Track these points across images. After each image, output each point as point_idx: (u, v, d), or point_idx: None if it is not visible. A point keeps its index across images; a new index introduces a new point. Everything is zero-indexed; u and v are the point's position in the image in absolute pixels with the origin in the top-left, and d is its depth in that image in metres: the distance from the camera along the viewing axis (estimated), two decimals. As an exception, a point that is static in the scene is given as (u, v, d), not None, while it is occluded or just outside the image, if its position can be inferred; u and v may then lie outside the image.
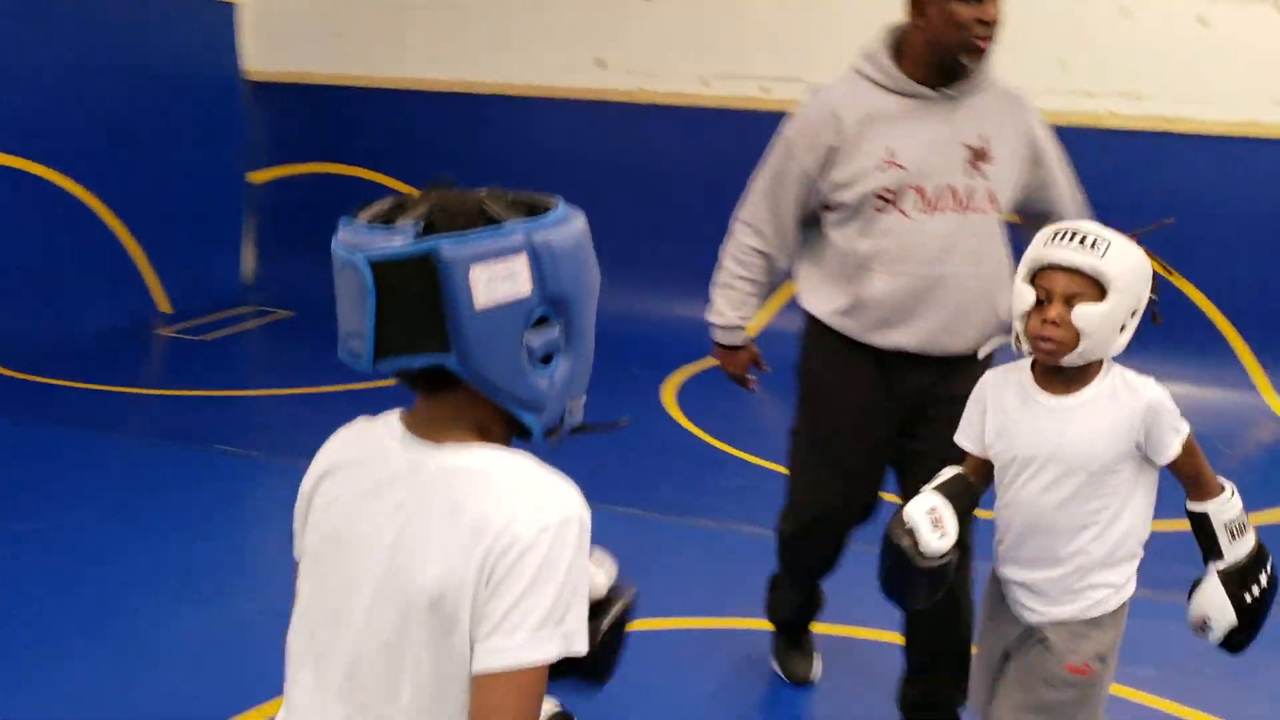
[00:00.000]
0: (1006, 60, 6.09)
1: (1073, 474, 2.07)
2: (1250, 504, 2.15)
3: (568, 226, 1.17)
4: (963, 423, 2.23)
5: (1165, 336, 6.08)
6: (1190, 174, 5.98)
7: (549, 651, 1.12)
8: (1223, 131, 5.96)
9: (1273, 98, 5.94)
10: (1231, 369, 6.03)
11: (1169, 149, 6.00)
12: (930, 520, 2.12)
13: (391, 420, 1.25)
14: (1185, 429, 2.07)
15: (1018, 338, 2.07)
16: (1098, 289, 1.96)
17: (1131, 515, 2.10)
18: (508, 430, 1.23)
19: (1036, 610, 2.16)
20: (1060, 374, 2.08)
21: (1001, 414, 2.15)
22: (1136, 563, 2.17)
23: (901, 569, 2.13)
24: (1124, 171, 6.00)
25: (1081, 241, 1.97)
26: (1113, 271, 1.95)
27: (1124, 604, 2.16)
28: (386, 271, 1.09)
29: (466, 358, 1.12)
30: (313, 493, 1.27)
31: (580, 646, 1.15)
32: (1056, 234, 2.01)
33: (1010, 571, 2.20)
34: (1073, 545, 2.11)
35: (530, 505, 1.13)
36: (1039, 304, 2.00)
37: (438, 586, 1.13)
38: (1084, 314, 1.95)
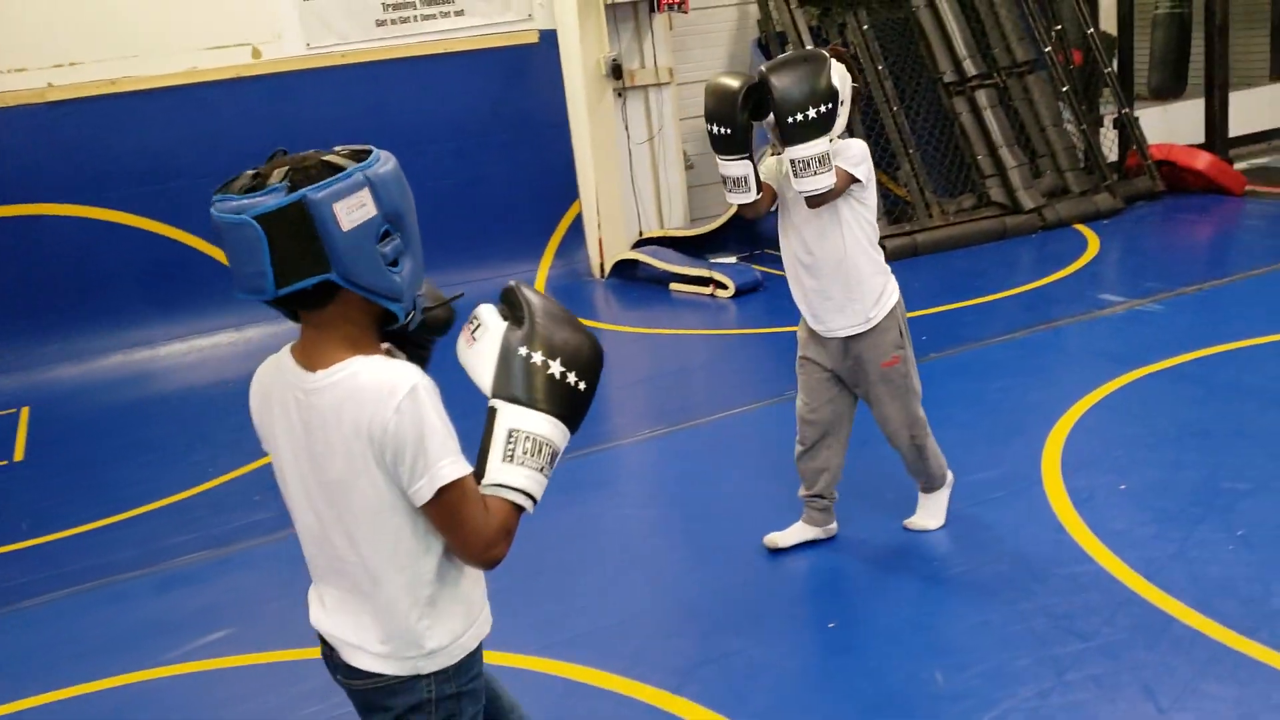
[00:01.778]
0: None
1: (802, 204, 3.08)
2: None
3: (388, 163, 1.56)
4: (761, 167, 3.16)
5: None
6: (150, 127, 6.23)
7: (449, 475, 1.57)
8: (171, 83, 6.25)
9: (206, 45, 6.33)
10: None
11: (121, 108, 6.17)
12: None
13: (285, 356, 1.66)
14: (852, 170, 2.99)
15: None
16: None
17: (859, 233, 3.09)
18: (375, 332, 1.64)
19: (828, 326, 3.16)
20: None
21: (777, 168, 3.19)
22: (886, 277, 3.16)
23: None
24: (75, 138, 6.09)
25: None
26: None
27: (893, 308, 3.16)
28: (272, 222, 1.46)
29: (344, 269, 1.51)
30: (258, 421, 1.72)
31: (466, 464, 1.60)
32: None
33: (809, 310, 3.20)
34: (832, 258, 3.11)
35: (382, 394, 1.55)
36: None
37: (345, 474, 1.60)
38: None
